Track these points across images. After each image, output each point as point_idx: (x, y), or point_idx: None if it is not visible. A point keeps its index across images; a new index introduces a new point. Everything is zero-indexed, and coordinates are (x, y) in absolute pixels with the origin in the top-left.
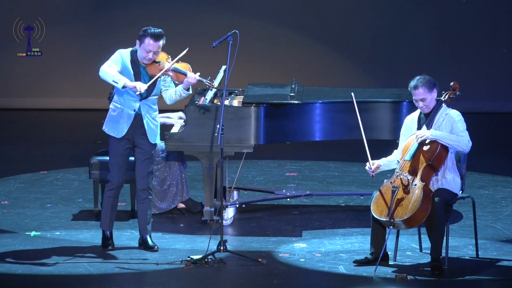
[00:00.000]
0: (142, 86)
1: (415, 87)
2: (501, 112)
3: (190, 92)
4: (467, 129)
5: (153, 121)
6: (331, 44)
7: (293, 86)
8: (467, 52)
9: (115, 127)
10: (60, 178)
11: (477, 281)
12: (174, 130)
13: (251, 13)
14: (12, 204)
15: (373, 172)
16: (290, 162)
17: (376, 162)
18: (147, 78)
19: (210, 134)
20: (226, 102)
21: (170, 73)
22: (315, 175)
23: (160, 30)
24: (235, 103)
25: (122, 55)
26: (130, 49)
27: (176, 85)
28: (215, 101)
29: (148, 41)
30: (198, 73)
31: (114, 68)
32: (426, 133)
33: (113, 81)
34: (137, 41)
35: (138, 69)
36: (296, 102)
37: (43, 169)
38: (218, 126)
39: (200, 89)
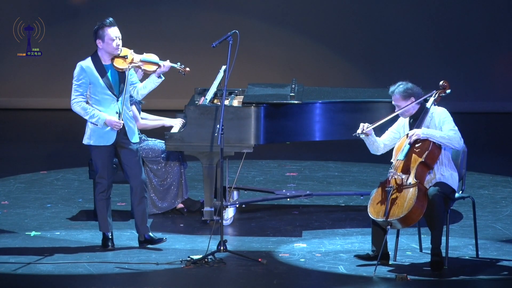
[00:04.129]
0: (116, 121)
1: (392, 93)
2: (501, 112)
3: (163, 78)
4: (457, 126)
5: (131, 120)
6: (331, 44)
7: (293, 86)
8: (466, 52)
9: (103, 136)
10: (60, 178)
11: (477, 281)
12: (174, 130)
13: (251, 13)
14: (12, 204)
15: (363, 130)
16: (290, 162)
17: (370, 128)
18: (116, 74)
19: (210, 134)
20: (226, 102)
21: (140, 64)
22: (315, 175)
23: (110, 18)
24: (235, 103)
25: (84, 68)
26: (89, 57)
27: (142, 79)
28: (215, 101)
29: (110, 30)
30: (168, 60)
31: (83, 104)
32: (417, 131)
33: (91, 123)
34: (98, 41)
35: (104, 71)
36: (296, 102)
37: (43, 169)
38: (218, 126)
39: (200, 89)
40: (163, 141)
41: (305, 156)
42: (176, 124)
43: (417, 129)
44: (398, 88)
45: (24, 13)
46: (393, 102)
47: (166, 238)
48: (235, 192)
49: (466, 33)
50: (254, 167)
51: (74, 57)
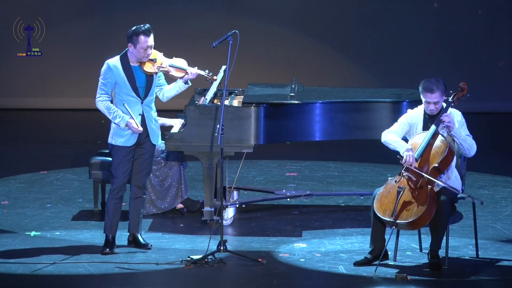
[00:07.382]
0: (135, 128)
1: (432, 91)
2: (501, 112)
3: (190, 84)
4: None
5: (154, 122)
6: (331, 44)
7: (293, 86)
8: (467, 52)
9: (124, 137)
10: (60, 178)
11: (477, 281)
12: (174, 130)
13: (251, 13)
14: (12, 204)
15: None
16: (290, 162)
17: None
18: (143, 77)
19: (210, 134)
20: (226, 102)
21: (168, 69)
22: (315, 175)
23: (147, 25)
24: (235, 103)
25: (111, 67)
26: (118, 56)
27: (169, 82)
28: (215, 101)
29: (144, 39)
30: (196, 67)
31: (107, 103)
32: (452, 122)
33: (113, 123)
34: (130, 44)
35: (131, 72)
36: (296, 102)
37: (43, 169)
38: (218, 126)
39: (200, 89)
40: (163, 141)
41: (305, 156)
42: (176, 124)
43: (453, 119)
44: (435, 84)
45: (24, 13)
46: (429, 100)
47: (151, 246)
48: (235, 192)
49: (465, 33)
50: (254, 167)
51: (74, 57)
